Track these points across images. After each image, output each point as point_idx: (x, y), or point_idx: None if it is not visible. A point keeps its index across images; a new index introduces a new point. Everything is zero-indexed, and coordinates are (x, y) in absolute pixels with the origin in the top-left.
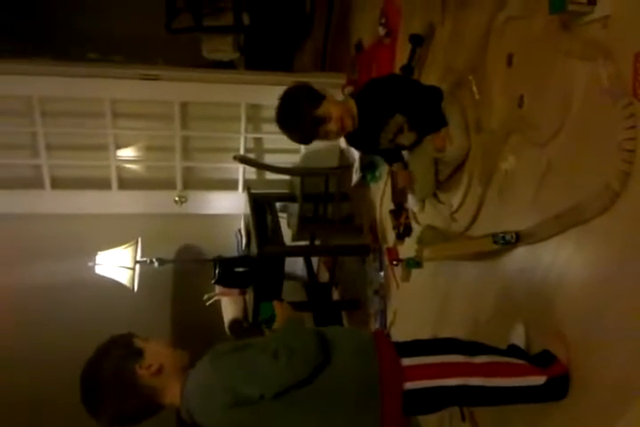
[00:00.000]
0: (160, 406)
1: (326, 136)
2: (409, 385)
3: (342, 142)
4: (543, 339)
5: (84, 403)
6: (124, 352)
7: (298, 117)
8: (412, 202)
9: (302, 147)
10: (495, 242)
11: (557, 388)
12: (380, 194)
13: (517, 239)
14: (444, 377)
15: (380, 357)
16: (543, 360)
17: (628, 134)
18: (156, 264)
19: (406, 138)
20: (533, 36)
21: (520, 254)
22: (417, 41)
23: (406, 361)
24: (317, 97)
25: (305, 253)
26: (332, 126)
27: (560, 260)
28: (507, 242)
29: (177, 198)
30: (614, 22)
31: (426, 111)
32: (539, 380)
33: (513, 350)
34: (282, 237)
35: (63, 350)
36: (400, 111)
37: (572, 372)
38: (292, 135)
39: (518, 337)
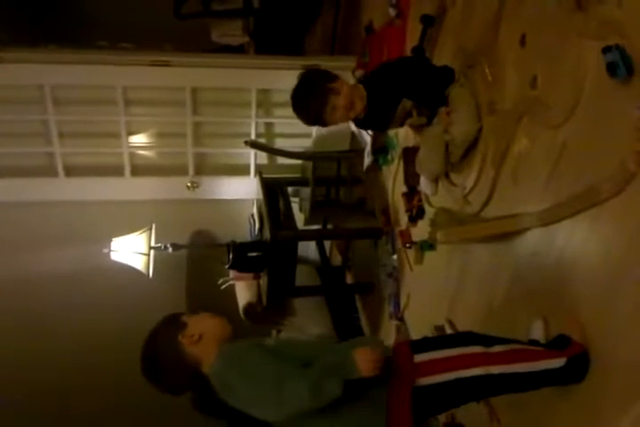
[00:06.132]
0: (203, 375)
1: (334, 110)
2: (425, 381)
3: (353, 126)
4: (558, 322)
5: (145, 375)
6: (171, 327)
7: (311, 89)
8: (424, 185)
9: (314, 131)
10: None
11: (577, 367)
12: (392, 177)
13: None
14: (464, 368)
15: (394, 351)
16: (560, 344)
17: None
18: (170, 250)
19: (415, 121)
20: (547, 15)
21: (533, 237)
22: (428, 21)
23: (421, 356)
24: (333, 76)
25: (317, 236)
26: (341, 100)
27: (574, 242)
28: None
29: (189, 184)
30: (629, 1)
31: (431, 94)
32: (559, 362)
33: (532, 343)
34: (294, 221)
35: (79, 336)
36: (407, 96)
37: (589, 354)
38: (303, 110)
39: (537, 333)
